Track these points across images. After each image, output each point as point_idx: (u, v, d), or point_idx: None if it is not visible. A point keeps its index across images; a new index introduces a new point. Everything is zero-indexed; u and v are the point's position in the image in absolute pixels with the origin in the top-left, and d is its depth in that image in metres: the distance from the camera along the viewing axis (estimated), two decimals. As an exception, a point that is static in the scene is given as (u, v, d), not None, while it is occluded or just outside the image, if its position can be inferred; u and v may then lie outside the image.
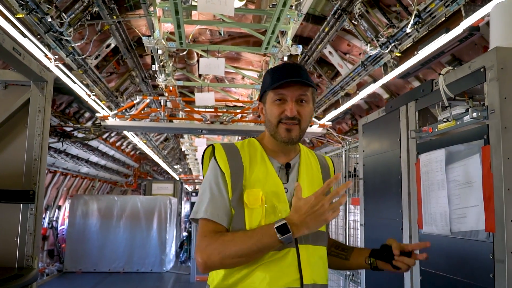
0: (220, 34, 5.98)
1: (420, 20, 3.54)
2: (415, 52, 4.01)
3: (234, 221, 1.28)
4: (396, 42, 3.99)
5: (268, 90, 1.35)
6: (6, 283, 1.74)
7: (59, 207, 9.89)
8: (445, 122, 1.75)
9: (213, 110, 6.82)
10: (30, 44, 3.90)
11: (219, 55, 4.86)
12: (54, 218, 9.61)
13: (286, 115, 1.30)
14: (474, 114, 1.53)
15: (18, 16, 3.52)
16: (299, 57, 5.64)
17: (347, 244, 4.13)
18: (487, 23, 3.40)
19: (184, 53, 6.05)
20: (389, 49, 4.10)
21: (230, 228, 1.29)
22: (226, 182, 1.30)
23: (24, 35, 3.76)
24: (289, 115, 1.30)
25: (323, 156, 1.54)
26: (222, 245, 1.20)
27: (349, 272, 4.07)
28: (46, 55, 4.26)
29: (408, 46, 4.06)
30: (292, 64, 1.40)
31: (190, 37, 5.34)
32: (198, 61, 6.09)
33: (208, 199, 1.29)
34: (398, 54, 4.21)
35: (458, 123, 1.67)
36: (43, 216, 8.53)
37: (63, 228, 10.03)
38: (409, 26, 3.61)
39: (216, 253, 1.20)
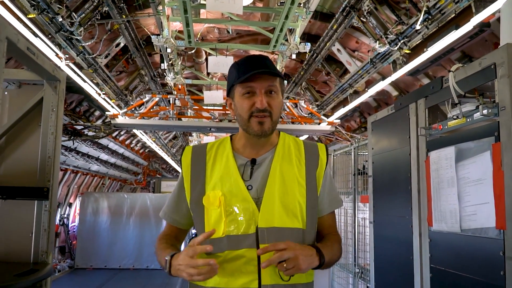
0: (228, 32, 5.99)
1: (430, 17, 3.51)
2: (425, 49, 3.97)
3: (195, 223, 1.34)
4: (405, 39, 3.96)
5: (236, 84, 1.31)
6: (23, 277, 1.79)
7: (70, 205, 10.02)
8: (455, 119, 1.75)
9: (221, 108, 6.84)
10: (42, 44, 3.95)
11: (227, 53, 4.87)
12: (65, 215, 9.74)
13: (256, 107, 1.26)
14: (485, 111, 1.52)
15: (29, 16, 3.57)
16: (307, 55, 5.63)
17: (356, 242, 4.13)
18: (498, 19, 3.35)
19: (193, 51, 6.08)
20: (398, 46, 4.07)
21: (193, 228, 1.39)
22: (183, 186, 1.36)
23: (36, 35, 3.81)
24: (260, 107, 1.26)
25: (315, 145, 1.43)
26: (156, 249, 1.38)
27: (358, 270, 4.06)
28: (57, 55, 4.31)
29: (417, 43, 4.03)
30: (257, 55, 1.35)
31: (198, 36, 5.36)
32: (206, 59, 6.11)
33: (168, 202, 1.45)
34: (407, 51, 4.18)
35: (468, 120, 1.66)
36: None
37: (74, 225, 10.16)
38: (419, 23, 3.58)
39: (156, 253, 1.39)
